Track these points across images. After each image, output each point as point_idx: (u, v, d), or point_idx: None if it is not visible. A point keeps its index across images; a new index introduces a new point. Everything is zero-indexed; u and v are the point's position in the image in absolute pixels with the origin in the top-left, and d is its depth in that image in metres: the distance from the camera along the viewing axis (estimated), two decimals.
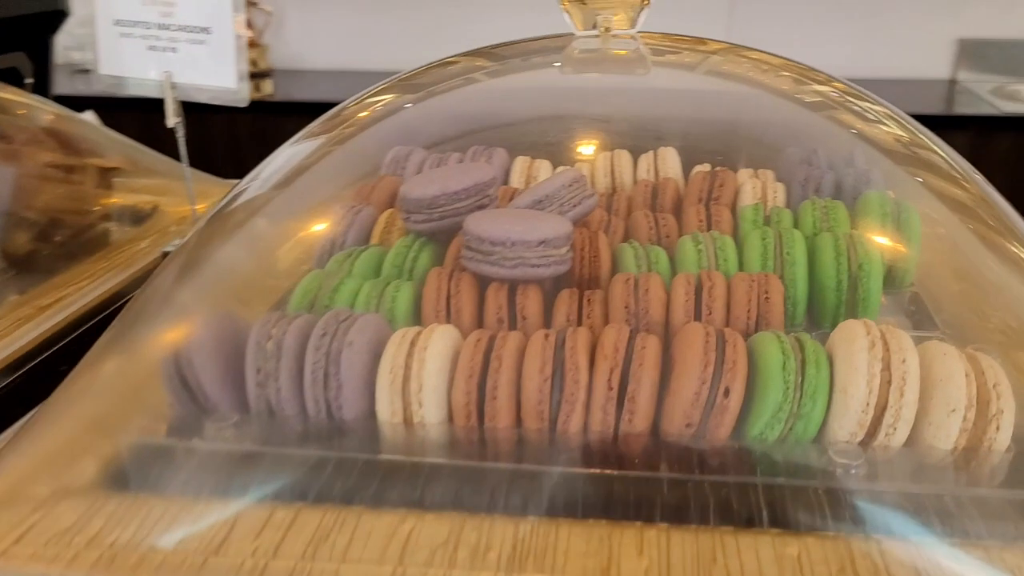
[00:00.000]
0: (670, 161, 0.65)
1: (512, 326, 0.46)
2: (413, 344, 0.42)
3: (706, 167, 0.65)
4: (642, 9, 0.52)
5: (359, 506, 0.37)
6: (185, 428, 0.42)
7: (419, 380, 0.41)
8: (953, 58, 2.35)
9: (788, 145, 0.65)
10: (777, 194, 0.59)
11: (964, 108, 2.07)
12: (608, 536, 0.35)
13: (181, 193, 0.74)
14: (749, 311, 0.44)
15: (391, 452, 0.40)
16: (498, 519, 0.36)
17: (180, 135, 0.62)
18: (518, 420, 0.41)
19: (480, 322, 0.46)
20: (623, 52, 0.59)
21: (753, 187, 0.59)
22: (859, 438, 0.38)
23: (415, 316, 0.47)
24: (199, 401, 0.43)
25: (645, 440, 0.40)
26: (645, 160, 0.66)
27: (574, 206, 0.52)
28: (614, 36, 0.54)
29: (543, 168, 0.67)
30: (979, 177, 0.56)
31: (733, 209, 0.58)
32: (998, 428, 0.37)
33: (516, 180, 0.66)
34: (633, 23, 0.53)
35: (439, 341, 0.42)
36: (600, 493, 0.37)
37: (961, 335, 0.48)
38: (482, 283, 0.48)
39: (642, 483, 0.38)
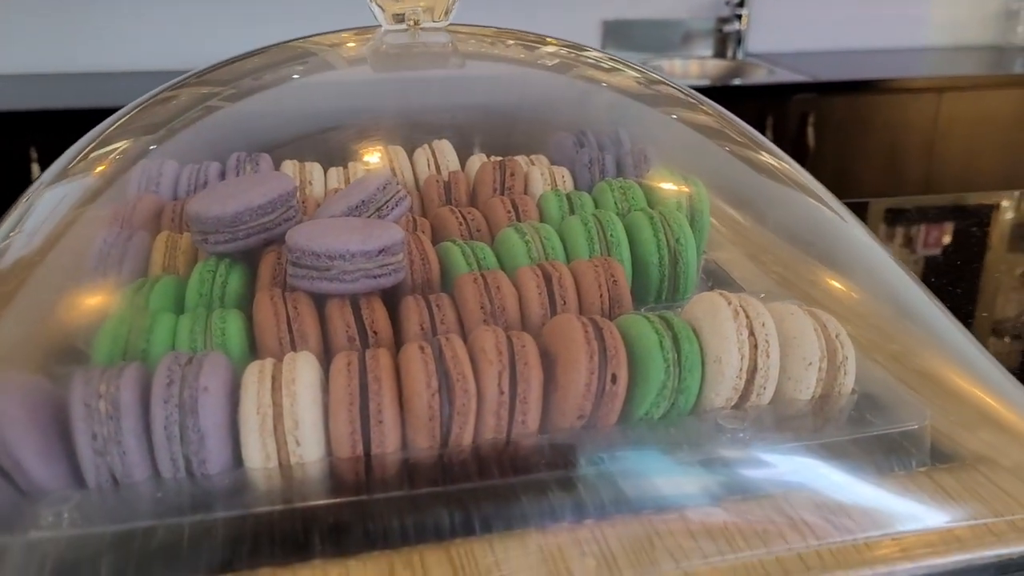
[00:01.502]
0: (448, 154, 0.64)
1: (364, 343, 0.43)
2: (274, 379, 0.38)
3: (482, 157, 0.65)
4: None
5: (272, 566, 0.33)
6: (4, 522, 0.35)
7: (293, 417, 0.37)
8: (600, 38, 2.55)
9: (553, 125, 0.67)
10: (566, 179, 0.60)
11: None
12: (549, 542, 0.34)
13: None
14: (601, 296, 0.45)
15: (281, 499, 0.36)
16: (430, 548, 0.34)
17: None
18: (403, 442, 0.38)
19: (326, 344, 0.43)
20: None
21: (542, 174, 0.60)
22: (733, 402, 0.40)
23: (249, 348, 0.43)
24: (18, 486, 0.35)
25: (535, 439, 0.39)
26: (423, 154, 0.64)
27: (392, 208, 0.49)
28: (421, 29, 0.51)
29: (315, 171, 0.64)
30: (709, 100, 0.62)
31: None
32: (845, 373, 0.41)
33: None
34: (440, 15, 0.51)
35: (306, 371, 0.38)
36: (524, 499, 0.36)
37: (763, 291, 0.52)
38: (316, 301, 0.44)
39: (566, 482, 0.37)
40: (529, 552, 0.34)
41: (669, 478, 0.38)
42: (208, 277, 0.47)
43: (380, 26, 0.53)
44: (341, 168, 0.64)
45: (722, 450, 0.39)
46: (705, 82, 2.42)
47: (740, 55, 2.47)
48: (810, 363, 0.41)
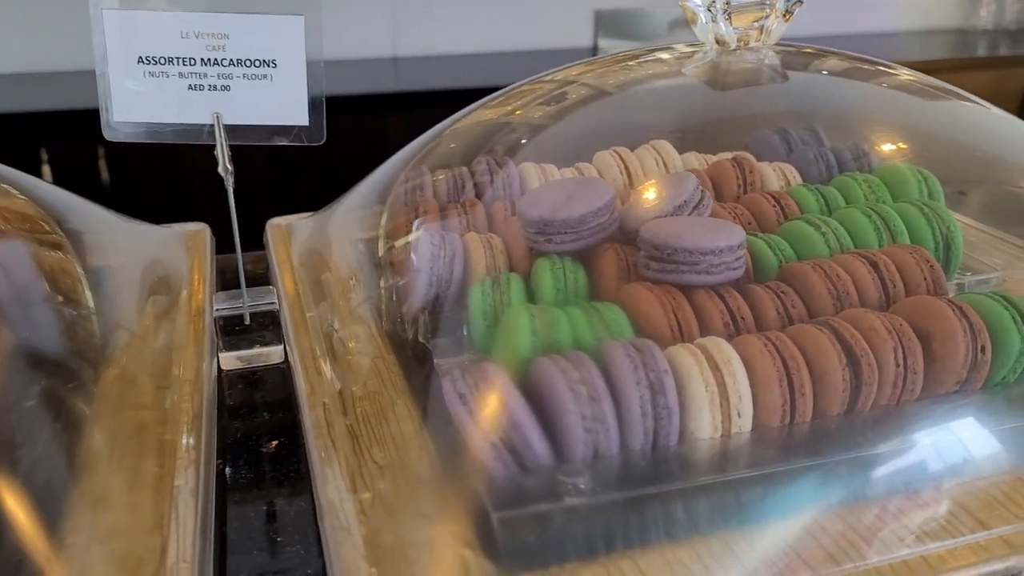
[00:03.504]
0: (672, 152, 0.70)
1: (737, 330, 0.48)
2: (708, 360, 0.44)
3: (697, 155, 0.71)
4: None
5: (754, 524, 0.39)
6: (526, 494, 0.40)
7: (737, 392, 0.43)
8: (593, 27, 2.61)
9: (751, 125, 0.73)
10: (795, 175, 0.67)
11: None
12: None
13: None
14: (925, 280, 0.51)
15: (750, 464, 0.42)
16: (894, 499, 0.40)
17: (229, 186, 0.54)
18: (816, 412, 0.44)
19: (703, 332, 0.48)
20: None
21: (774, 171, 0.66)
22: None
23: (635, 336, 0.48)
24: (526, 464, 0.40)
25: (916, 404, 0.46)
26: (648, 153, 0.70)
27: (706, 207, 0.55)
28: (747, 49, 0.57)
29: (554, 173, 0.69)
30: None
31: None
32: None
33: (536, 185, 0.67)
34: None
35: (733, 353, 0.44)
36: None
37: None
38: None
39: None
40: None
41: None
42: (559, 274, 0.52)
43: (704, 44, 0.58)
44: (571, 169, 0.69)
45: None
46: None
47: None
48: None
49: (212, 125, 0.52)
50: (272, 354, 0.57)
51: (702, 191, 0.55)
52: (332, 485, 0.41)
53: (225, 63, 0.51)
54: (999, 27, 2.83)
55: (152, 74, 0.51)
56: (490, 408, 0.40)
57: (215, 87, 0.52)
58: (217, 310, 0.56)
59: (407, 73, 2.28)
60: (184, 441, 0.44)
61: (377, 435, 0.45)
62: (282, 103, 0.52)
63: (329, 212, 0.68)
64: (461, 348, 0.53)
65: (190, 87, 0.51)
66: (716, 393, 0.43)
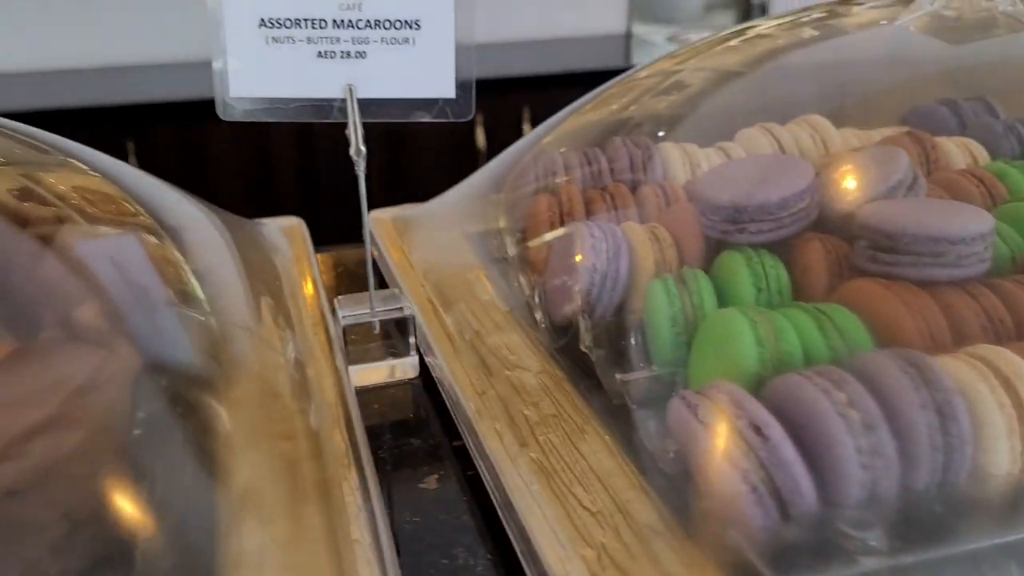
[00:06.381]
0: (830, 129, 0.61)
1: (997, 335, 0.40)
2: (996, 375, 0.35)
3: (855, 131, 0.63)
4: None
5: None
6: (802, 551, 0.31)
7: None
8: (627, 10, 2.53)
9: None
10: (981, 152, 0.58)
11: (642, 58, 2.24)
12: None
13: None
14: None
15: None
16: None
17: (360, 171, 0.46)
18: None
19: (956, 339, 0.40)
20: None
21: (958, 147, 0.58)
22: None
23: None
24: (790, 510, 0.32)
25: None
26: (803, 131, 0.61)
27: (920, 188, 0.47)
28: None
29: (696, 153, 0.60)
30: None
31: None
32: None
33: (680, 169, 0.59)
34: None
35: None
36: None
37: None
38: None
39: None
40: None
41: None
42: (759, 270, 0.44)
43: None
44: (713, 149, 0.61)
45: None
46: None
47: None
48: None
49: (343, 100, 0.44)
50: (408, 368, 0.49)
51: (915, 170, 0.47)
52: (546, 540, 0.33)
53: (360, 25, 0.43)
54: None
55: (276, 39, 0.43)
56: (742, 440, 0.32)
57: (348, 54, 0.43)
58: (343, 317, 0.48)
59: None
60: (351, 484, 0.35)
61: (575, 472, 0.37)
62: (425, 73, 0.44)
63: (441, 202, 0.59)
64: (634, 360, 0.45)
65: (320, 55, 0.43)
66: (1013, 416, 0.34)
